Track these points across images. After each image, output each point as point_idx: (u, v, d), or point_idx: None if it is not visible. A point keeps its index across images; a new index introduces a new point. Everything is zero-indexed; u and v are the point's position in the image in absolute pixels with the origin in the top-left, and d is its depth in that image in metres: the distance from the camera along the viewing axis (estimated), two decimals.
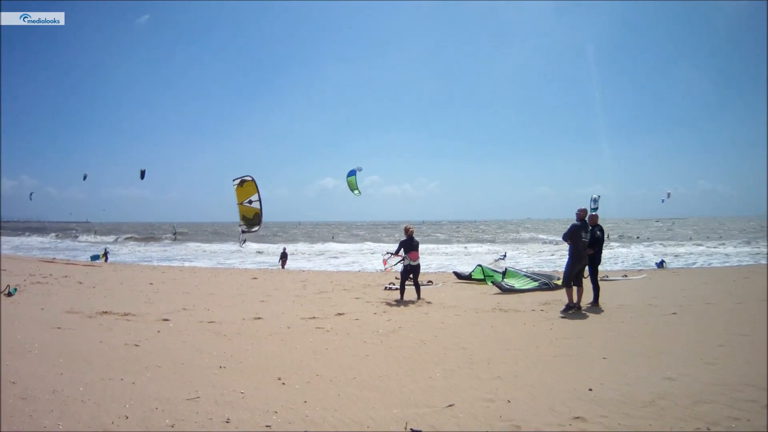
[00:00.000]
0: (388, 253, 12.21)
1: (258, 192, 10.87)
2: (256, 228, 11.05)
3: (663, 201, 34.91)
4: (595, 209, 28.21)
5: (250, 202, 10.96)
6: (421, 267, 11.93)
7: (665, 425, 3.84)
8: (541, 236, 61.75)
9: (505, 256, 30.06)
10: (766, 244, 35.23)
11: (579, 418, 3.99)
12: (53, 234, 71.36)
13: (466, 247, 44.92)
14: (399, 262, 11.53)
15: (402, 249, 11.34)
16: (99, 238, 61.83)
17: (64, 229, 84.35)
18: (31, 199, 46.66)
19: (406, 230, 11.42)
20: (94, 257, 28.67)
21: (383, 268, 13.62)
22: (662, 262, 23.82)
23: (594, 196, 28.95)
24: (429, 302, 10.94)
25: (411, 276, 11.47)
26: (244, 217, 10.94)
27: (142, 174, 25.11)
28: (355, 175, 17.52)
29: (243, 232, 11.10)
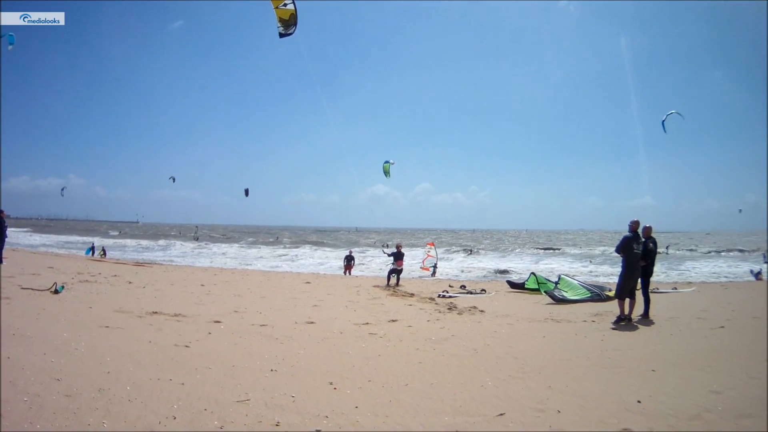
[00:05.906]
0: (386, 253, 18.58)
1: None
2: (292, 29, 10.78)
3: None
4: None
5: (285, 4, 10.80)
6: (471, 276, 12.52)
7: None
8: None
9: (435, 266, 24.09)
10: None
11: (627, 429, 4.03)
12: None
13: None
14: (391, 264, 17.07)
15: (393, 257, 17.04)
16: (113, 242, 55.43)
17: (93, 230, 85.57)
18: (62, 195, 48.74)
19: (397, 246, 17.61)
20: (87, 251, 33.04)
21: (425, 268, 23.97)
22: (760, 271, 22.34)
23: None
24: (482, 311, 10.93)
25: (396, 274, 16.97)
26: (281, 20, 10.69)
27: (246, 192, 28.15)
28: (389, 163, 24.36)
29: (281, 35, 10.84)
